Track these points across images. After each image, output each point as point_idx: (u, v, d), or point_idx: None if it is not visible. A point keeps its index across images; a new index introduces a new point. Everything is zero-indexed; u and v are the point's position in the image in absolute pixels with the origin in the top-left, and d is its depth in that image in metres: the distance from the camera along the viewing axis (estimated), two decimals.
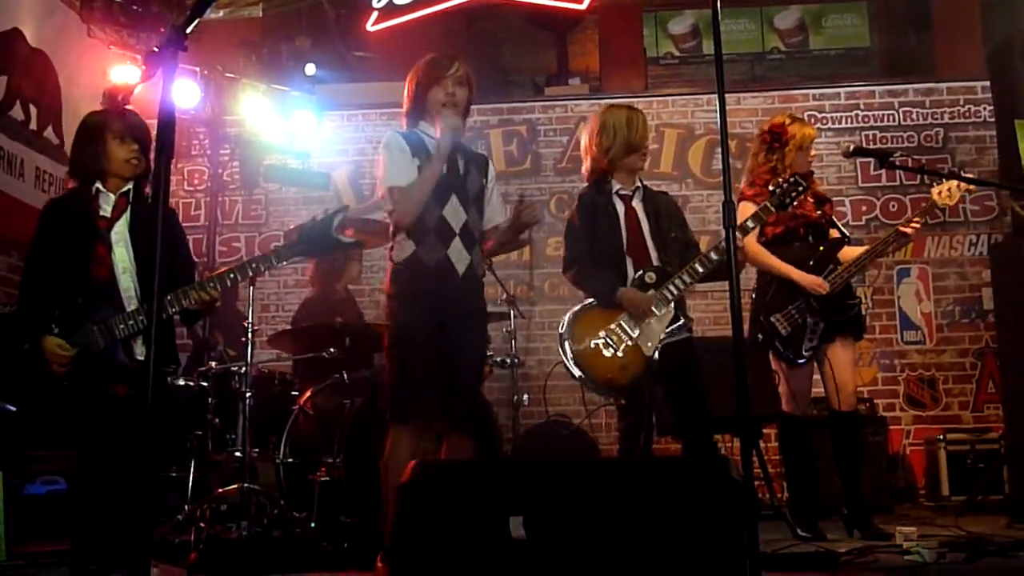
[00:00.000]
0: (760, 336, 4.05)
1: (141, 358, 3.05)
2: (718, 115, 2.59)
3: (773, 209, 3.60)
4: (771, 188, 3.64)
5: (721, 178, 2.59)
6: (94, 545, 2.87)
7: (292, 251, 3.17)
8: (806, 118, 4.84)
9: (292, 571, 3.46)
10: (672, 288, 3.54)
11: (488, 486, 2.33)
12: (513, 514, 2.24)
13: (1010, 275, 4.56)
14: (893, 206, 6.53)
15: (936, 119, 6.65)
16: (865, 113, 6.69)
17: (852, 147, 3.89)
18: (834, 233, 4.13)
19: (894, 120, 6.68)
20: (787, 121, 4.14)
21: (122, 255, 3.12)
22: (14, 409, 3.12)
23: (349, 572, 3.47)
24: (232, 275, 3.11)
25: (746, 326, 4.10)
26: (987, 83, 5.95)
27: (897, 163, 3.71)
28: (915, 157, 6.18)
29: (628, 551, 2.20)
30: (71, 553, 2.95)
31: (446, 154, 3.18)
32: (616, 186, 3.72)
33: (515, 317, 5.06)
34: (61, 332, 2.99)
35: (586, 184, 3.82)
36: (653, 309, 3.52)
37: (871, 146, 6.42)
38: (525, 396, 5.20)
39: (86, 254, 3.07)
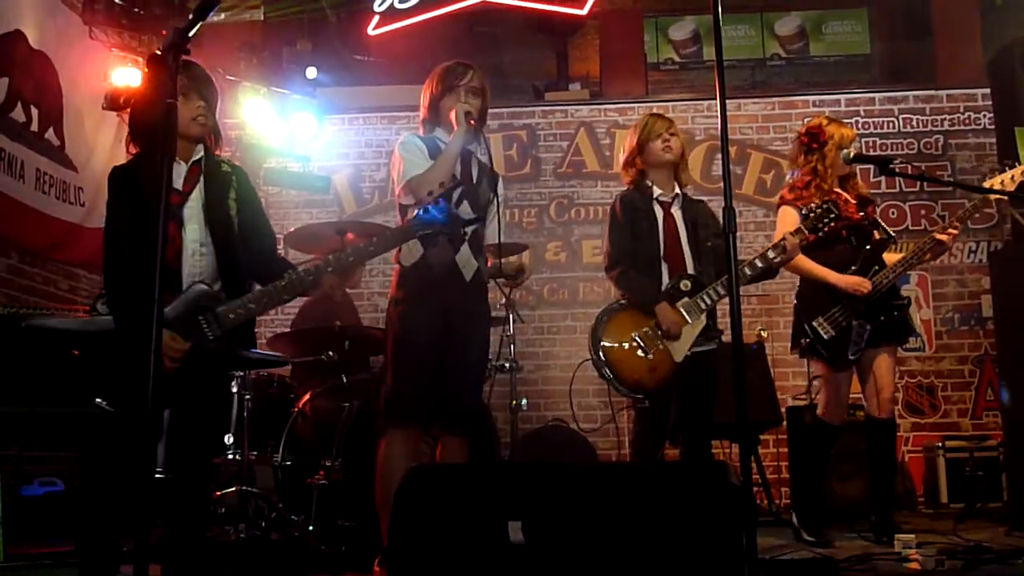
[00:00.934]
0: (804, 341, 3.97)
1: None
2: (719, 121, 2.59)
3: (807, 232, 3.63)
4: (804, 212, 3.68)
5: (721, 184, 2.60)
6: (101, 546, 2.82)
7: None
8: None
9: (290, 574, 3.46)
10: (706, 298, 3.58)
11: (486, 490, 2.33)
12: (512, 518, 2.23)
13: (1009, 282, 4.56)
14: (893, 213, 6.53)
15: (936, 126, 6.66)
16: (865, 120, 6.70)
17: (852, 153, 3.88)
18: (878, 234, 4.06)
19: (894, 127, 6.69)
20: (824, 122, 4.08)
21: (194, 234, 2.75)
22: (111, 409, 2.71)
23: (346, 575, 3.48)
24: (329, 267, 2.81)
25: (748, 333, 4.09)
26: (987, 90, 5.98)
27: (897, 170, 3.70)
28: (915, 164, 6.19)
29: (627, 556, 2.20)
30: (75, 554, 2.90)
31: (460, 144, 3.20)
32: (656, 192, 3.76)
33: (514, 321, 5.06)
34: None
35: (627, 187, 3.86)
36: (686, 317, 3.56)
37: (871, 153, 6.42)
38: (523, 400, 5.20)
39: (152, 231, 2.68)
